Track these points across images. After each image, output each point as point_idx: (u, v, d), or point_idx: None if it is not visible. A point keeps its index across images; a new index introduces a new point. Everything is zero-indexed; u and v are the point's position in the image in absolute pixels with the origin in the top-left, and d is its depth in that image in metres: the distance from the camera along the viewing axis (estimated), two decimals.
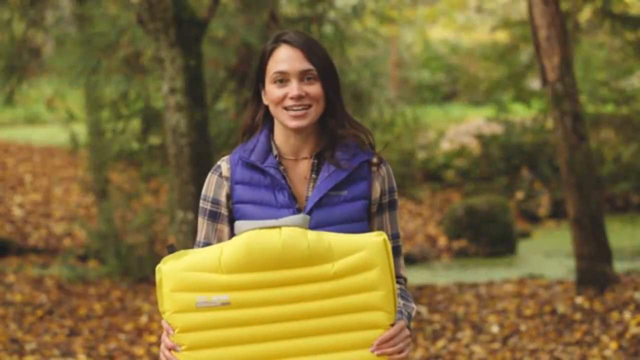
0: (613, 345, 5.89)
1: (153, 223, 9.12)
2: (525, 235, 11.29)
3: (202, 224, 2.54)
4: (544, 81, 7.17)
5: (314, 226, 2.41)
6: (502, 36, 16.34)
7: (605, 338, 6.04)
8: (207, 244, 2.52)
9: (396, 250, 2.53)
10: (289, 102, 2.45)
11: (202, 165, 6.07)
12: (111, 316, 7.31)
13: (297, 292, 2.29)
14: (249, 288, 2.29)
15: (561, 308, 6.82)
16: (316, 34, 8.20)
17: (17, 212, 11.36)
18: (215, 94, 8.15)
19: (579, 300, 6.92)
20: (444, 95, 19.88)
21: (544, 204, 12.50)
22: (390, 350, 2.32)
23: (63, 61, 8.21)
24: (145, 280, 8.64)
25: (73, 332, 6.81)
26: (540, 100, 13.59)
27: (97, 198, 9.89)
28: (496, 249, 10.41)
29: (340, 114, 2.51)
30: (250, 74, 7.88)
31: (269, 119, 2.55)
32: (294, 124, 2.45)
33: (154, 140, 8.59)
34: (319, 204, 2.45)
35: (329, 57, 2.50)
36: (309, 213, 2.44)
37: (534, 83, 15.50)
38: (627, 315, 6.44)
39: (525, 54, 14.81)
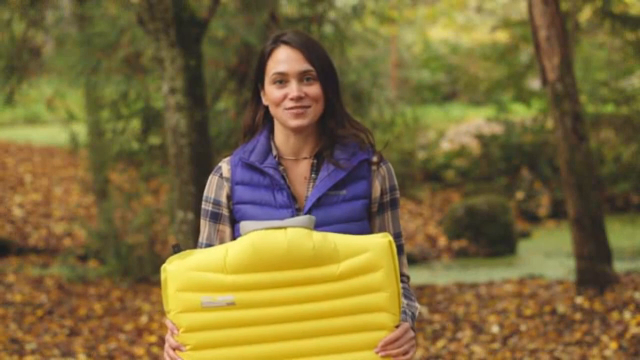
0: (613, 345, 5.89)
1: (153, 223, 9.12)
2: (525, 235, 11.29)
3: (204, 225, 2.54)
4: (544, 81, 7.17)
5: (314, 226, 2.41)
6: (502, 36, 16.35)
7: (605, 338, 6.04)
8: (209, 245, 2.53)
9: (399, 249, 2.53)
10: (288, 103, 2.45)
11: (202, 165, 6.07)
12: (111, 316, 7.31)
13: (302, 293, 2.29)
14: (254, 288, 2.29)
15: (561, 308, 6.83)
16: (316, 34, 8.20)
17: (17, 212, 11.36)
18: (215, 94, 8.15)
19: (579, 300, 6.92)
20: (444, 95, 19.88)
21: (544, 204, 12.50)
22: (395, 351, 2.32)
23: (63, 61, 8.21)
24: (145, 280, 8.64)
25: (73, 332, 6.81)
26: (540, 100, 13.60)
27: (97, 198, 9.89)
28: (496, 249, 10.42)
29: (340, 113, 2.51)
30: (250, 74, 7.87)
31: (269, 120, 2.55)
32: (294, 123, 2.45)
33: (154, 140, 8.59)
34: (317, 204, 2.45)
35: (328, 57, 2.50)
36: (308, 213, 2.44)
37: (534, 83, 15.51)
38: (627, 315, 6.44)
39: (525, 54, 14.82)
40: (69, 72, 7.96)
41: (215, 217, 2.53)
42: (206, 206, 2.54)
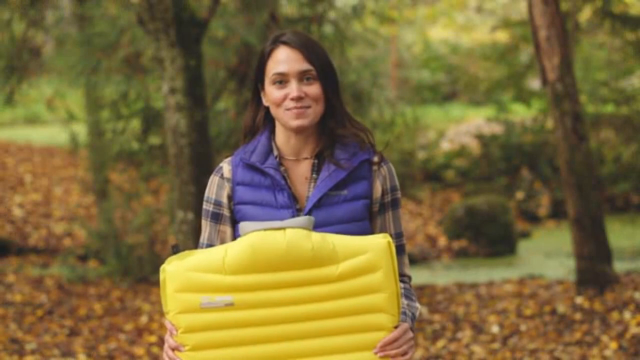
0: (613, 345, 5.89)
1: (153, 223, 9.12)
2: (525, 235, 11.29)
3: (205, 226, 2.54)
4: (544, 81, 7.16)
5: (315, 226, 2.41)
6: (502, 36, 16.35)
7: (605, 338, 6.04)
8: (210, 245, 2.53)
9: (400, 249, 2.54)
10: (289, 103, 2.44)
11: (202, 165, 6.07)
12: (111, 316, 7.31)
13: (301, 294, 2.29)
14: (253, 289, 2.29)
15: (561, 308, 6.82)
16: (316, 34, 8.20)
17: (17, 212, 11.36)
18: (215, 94, 8.15)
19: (579, 300, 6.92)
20: (444, 95, 19.88)
21: (544, 204, 12.50)
22: (393, 352, 2.32)
23: (63, 61, 8.20)
24: (145, 280, 8.64)
25: (73, 332, 6.81)
26: (540, 100, 13.60)
27: (97, 198, 9.89)
28: (496, 249, 10.42)
29: (341, 113, 2.51)
30: (250, 74, 7.87)
31: (269, 120, 2.55)
32: (295, 123, 2.45)
33: (154, 140, 8.59)
34: (318, 204, 2.45)
35: (328, 57, 2.50)
36: (309, 213, 2.44)
37: (534, 83, 15.51)
38: (627, 315, 6.44)
39: (525, 54, 14.82)
40: (69, 72, 7.96)
41: (216, 218, 2.53)
42: (207, 207, 2.54)
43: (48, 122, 16.15)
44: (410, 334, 2.36)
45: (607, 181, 12.32)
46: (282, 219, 2.41)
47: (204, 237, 2.55)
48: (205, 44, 6.97)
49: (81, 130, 10.24)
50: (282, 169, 2.49)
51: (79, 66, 7.67)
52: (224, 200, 2.52)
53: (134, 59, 7.97)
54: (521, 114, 15.04)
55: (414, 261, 9.75)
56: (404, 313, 2.41)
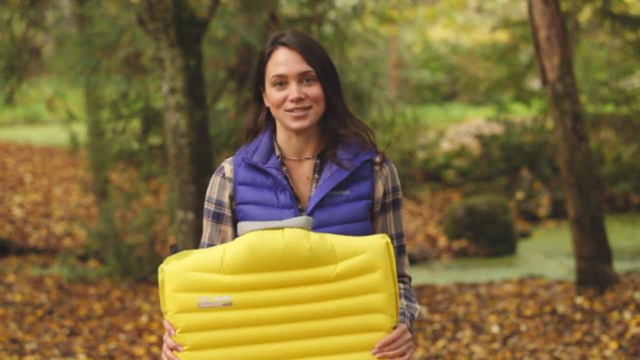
0: (613, 345, 5.88)
1: (153, 223, 9.12)
2: (525, 235, 11.29)
3: (207, 225, 2.54)
4: (544, 81, 7.16)
5: (317, 226, 2.41)
6: (502, 36, 16.35)
7: (605, 338, 6.04)
8: (211, 245, 2.52)
9: (400, 249, 2.54)
10: (289, 105, 2.44)
11: (202, 165, 6.07)
12: (111, 316, 7.31)
13: (299, 294, 2.29)
14: (251, 289, 2.29)
15: (561, 308, 6.82)
16: (316, 34, 8.20)
17: (17, 212, 11.36)
18: (215, 94, 8.15)
19: (579, 300, 6.92)
20: (444, 95, 19.89)
21: (544, 204, 12.50)
22: (391, 353, 2.31)
23: (63, 61, 8.20)
24: (145, 280, 8.64)
25: (73, 332, 6.81)
26: (540, 100, 13.60)
27: (97, 198, 9.89)
28: (496, 249, 10.41)
29: (342, 113, 2.51)
30: (250, 74, 7.87)
31: (271, 120, 2.54)
32: (295, 125, 2.45)
33: (154, 140, 8.58)
34: (320, 204, 2.45)
35: (328, 57, 2.49)
36: (311, 213, 2.44)
37: (534, 83, 15.51)
38: (627, 315, 6.43)
39: (525, 54, 14.82)
40: (69, 72, 7.96)
41: (217, 218, 2.52)
42: (208, 206, 2.53)
43: (48, 122, 16.15)
44: (409, 335, 2.36)
45: (607, 181, 12.32)
46: (284, 218, 2.41)
47: (205, 237, 2.55)
48: (205, 44, 6.97)
49: (81, 130, 10.24)
50: (284, 169, 2.49)
51: (79, 66, 7.67)
52: (226, 200, 2.52)
53: (134, 59, 7.97)
54: (521, 114, 15.04)
55: (414, 261, 9.75)
56: (403, 314, 2.41)
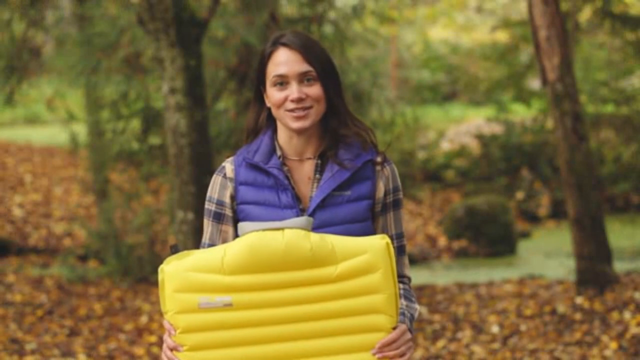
0: (613, 345, 5.88)
1: (153, 223, 9.12)
2: (525, 235, 11.29)
3: (207, 225, 2.54)
4: (544, 81, 7.16)
5: (318, 226, 2.41)
6: (502, 36, 16.35)
7: (605, 338, 6.04)
8: (211, 245, 2.52)
9: (400, 250, 2.54)
10: (290, 105, 2.44)
11: (202, 165, 6.07)
12: (111, 316, 7.31)
13: (300, 294, 2.29)
14: (251, 289, 2.29)
15: (561, 308, 6.82)
16: (316, 34, 8.20)
17: (17, 212, 11.36)
18: (215, 94, 8.15)
19: (579, 300, 6.92)
20: (444, 95, 19.89)
21: (544, 204, 12.50)
22: (391, 353, 2.32)
23: (63, 61, 8.20)
24: (145, 280, 8.64)
25: (73, 332, 6.81)
26: (540, 100, 13.60)
27: (97, 198, 9.89)
28: (496, 249, 10.41)
29: (343, 112, 2.51)
30: (250, 74, 7.88)
31: (272, 120, 2.54)
32: (296, 125, 2.45)
33: (154, 140, 8.58)
34: (322, 204, 2.45)
35: (329, 57, 2.49)
36: (312, 213, 2.44)
37: (534, 83, 15.51)
38: (627, 315, 6.43)
39: (525, 54, 14.82)
40: (69, 72, 7.96)
41: (218, 218, 2.52)
42: (209, 206, 2.53)
43: (48, 122, 16.15)
44: (409, 335, 2.36)
45: (607, 181, 12.32)
46: (285, 219, 2.41)
47: (205, 237, 2.54)
48: (205, 44, 6.97)
49: (81, 130, 10.24)
50: (285, 169, 2.49)
51: (79, 66, 7.67)
52: (227, 200, 2.51)
53: (134, 59, 7.97)
54: (521, 114, 15.04)
55: (414, 261, 9.75)
56: (403, 314, 2.41)
